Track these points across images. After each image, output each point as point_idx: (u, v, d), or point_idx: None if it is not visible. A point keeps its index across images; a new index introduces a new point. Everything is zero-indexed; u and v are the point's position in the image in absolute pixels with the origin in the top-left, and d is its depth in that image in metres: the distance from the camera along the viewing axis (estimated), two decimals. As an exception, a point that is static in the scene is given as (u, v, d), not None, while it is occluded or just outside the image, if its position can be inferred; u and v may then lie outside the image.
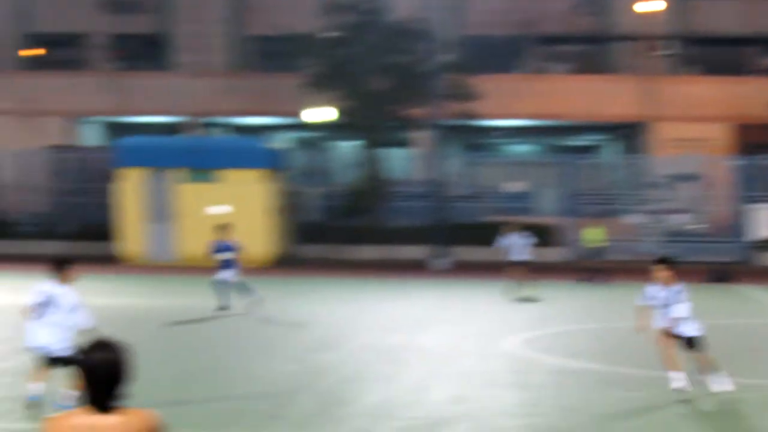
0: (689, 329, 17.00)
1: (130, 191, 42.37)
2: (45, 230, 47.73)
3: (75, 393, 16.84)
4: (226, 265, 27.99)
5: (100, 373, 5.97)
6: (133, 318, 26.77)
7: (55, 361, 15.38)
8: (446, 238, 45.29)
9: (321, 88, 46.73)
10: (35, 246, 46.46)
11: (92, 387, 5.98)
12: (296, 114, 52.82)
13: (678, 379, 16.93)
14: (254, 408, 16.24)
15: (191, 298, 31.90)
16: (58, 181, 49.67)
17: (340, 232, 47.35)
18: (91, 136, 58.73)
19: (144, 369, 18.99)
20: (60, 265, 15.79)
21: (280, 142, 52.22)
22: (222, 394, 17.27)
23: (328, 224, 48.03)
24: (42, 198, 49.77)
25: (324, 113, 47.96)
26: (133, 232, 42.49)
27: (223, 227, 28.78)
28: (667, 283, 16.95)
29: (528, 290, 32.51)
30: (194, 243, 41.69)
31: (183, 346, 22.64)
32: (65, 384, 15.06)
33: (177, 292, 34.00)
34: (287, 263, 43.44)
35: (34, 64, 59.52)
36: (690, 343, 16.97)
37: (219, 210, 41.82)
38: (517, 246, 33.16)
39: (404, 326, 25.80)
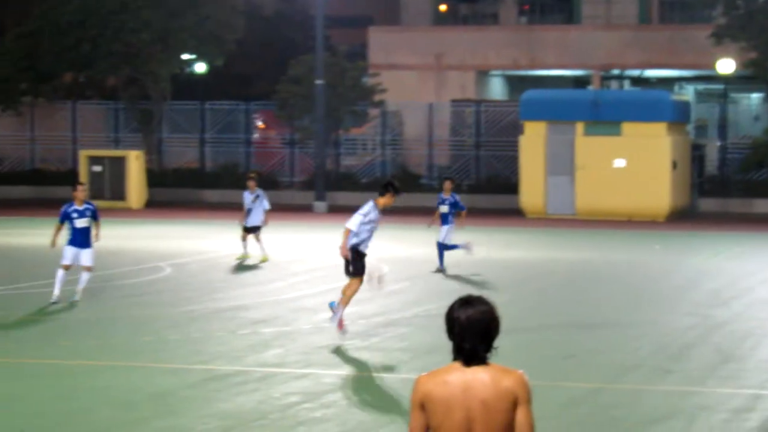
0: None
1: (533, 144, 42.66)
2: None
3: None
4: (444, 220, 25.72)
5: (472, 328, 6.02)
6: (529, 270, 27.04)
7: None
8: None
9: (730, 39, 45.30)
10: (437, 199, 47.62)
11: (464, 342, 6.04)
12: (701, 66, 51.54)
13: None
14: (647, 362, 16.10)
15: (589, 252, 31.88)
16: (460, 134, 50.66)
17: (740, 186, 45.97)
18: (494, 89, 59.57)
19: (535, 321, 19.31)
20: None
21: (684, 94, 51.13)
22: (613, 347, 17.22)
23: (728, 178, 46.74)
24: (444, 151, 50.93)
25: (731, 65, 46.57)
26: (534, 185, 42.78)
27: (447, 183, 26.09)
28: None
29: None
30: (594, 197, 41.59)
31: (578, 299, 22.69)
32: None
33: (575, 246, 34.04)
34: (686, 217, 42.61)
35: (445, 18, 60.87)
36: None
37: (620, 163, 41.49)
38: None
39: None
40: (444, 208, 25.59)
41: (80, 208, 20.78)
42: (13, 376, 15.00)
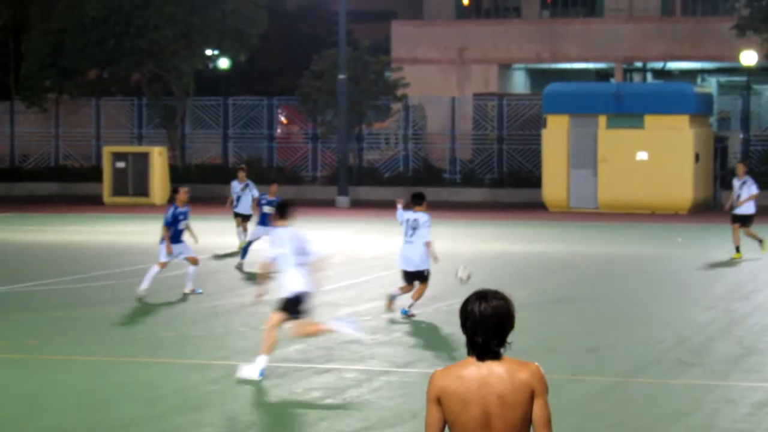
0: None
1: (555, 138, 42.62)
2: (469, 177, 48.86)
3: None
4: None
5: (485, 322, 6.03)
6: (551, 264, 27.04)
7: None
8: None
9: (753, 30, 45.15)
10: (460, 193, 47.75)
11: (476, 336, 6.05)
12: (723, 58, 51.40)
13: None
14: (668, 355, 16.11)
15: (611, 245, 31.87)
16: (483, 128, 50.64)
17: (763, 178, 45.81)
18: (516, 83, 59.52)
19: (557, 316, 19.33)
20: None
21: (706, 86, 50.96)
22: (634, 341, 17.23)
23: (750, 170, 46.54)
24: (467, 145, 50.93)
25: (753, 56, 46.41)
26: (556, 178, 42.74)
27: None
28: None
29: None
30: (616, 190, 41.53)
31: (599, 292, 22.69)
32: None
33: (597, 239, 34.01)
34: (708, 210, 42.52)
35: (468, 12, 60.82)
36: None
37: (642, 156, 41.42)
38: None
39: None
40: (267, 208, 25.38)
41: (183, 210, 21.42)
42: (37, 371, 15.11)
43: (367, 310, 19.78)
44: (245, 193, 29.02)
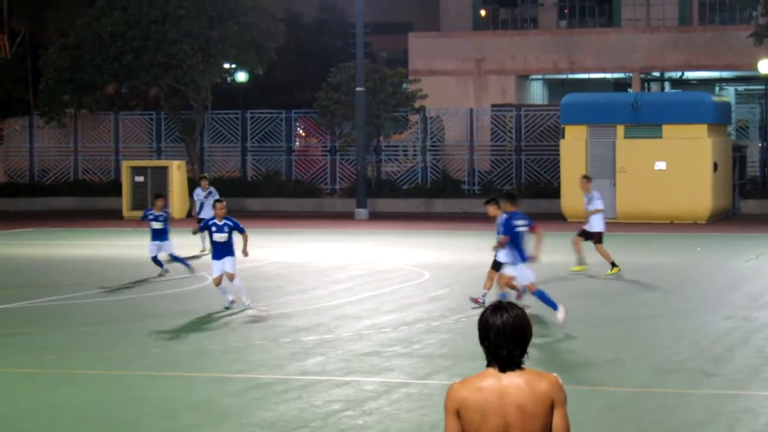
0: None
1: (573, 148, 42.59)
2: (487, 188, 48.87)
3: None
4: None
5: (509, 333, 6.04)
6: (569, 274, 26.99)
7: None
8: None
9: (770, 38, 45.12)
10: (479, 205, 47.63)
11: (500, 348, 6.06)
12: (741, 66, 51.32)
13: None
14: (687, 365, 16.08)
15: (630, 254, 31.80)
16: (501, 139, 50.65)
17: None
18: (534, 93, 59.53)
19: (575, 326, 19.31)
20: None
21: (724, 95, 50.86)
22: (653, 351, 17.20)
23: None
24: (485, 156, 50.95)
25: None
26: (575, 189, 42.55)
27: None
28: None
29: None
30: (635, 199, 41.46)
31: (618, 302, 22.66)
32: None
33: (615, 249, 33.90)
34: (727, 219, 42.42)
35: (485, 23, 60.90)
36: None
37: (660, 166, 41.36)
38: None
39: None
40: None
41: (219, 223, 21.40)
42: (59, 384, 15.17)
43: (386, 322, 19.80)
44: (208, 200, 30.71)
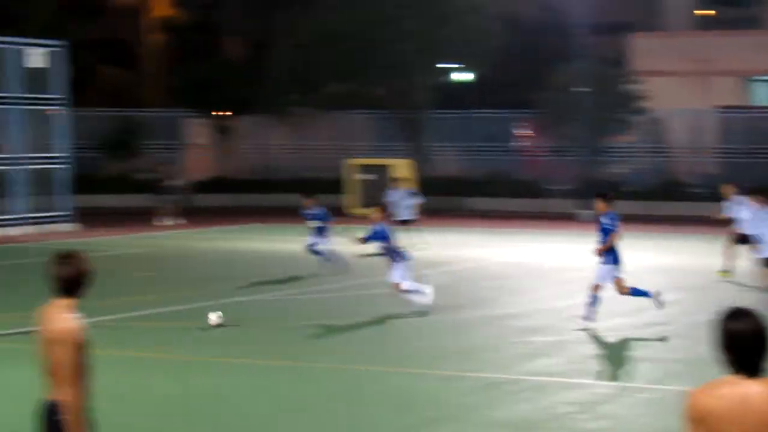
0: None
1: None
2: (714, 192, 47.90)
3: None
4: None
5: (758, 340, 5.97)
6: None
7: None
8: None
9: None
10: (705, 208, 46.77)
11: (749, 355, 5.98)
12: None
13: None
14: None
15: None
16: (728, 141, 49.60)
17: None
18: (759, 95, 58.09)
19: None
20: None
21: None
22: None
23: None
24: (712, 159, 49.97)
25: None
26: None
27: None
28: None
29: None
30: None
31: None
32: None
33: None
34: None
35: (707, 23, 59.77)
36: None
37: None
38: None
39: None
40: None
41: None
42: (301, 379, 15.60)
43: (616, 325, 19.73)
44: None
